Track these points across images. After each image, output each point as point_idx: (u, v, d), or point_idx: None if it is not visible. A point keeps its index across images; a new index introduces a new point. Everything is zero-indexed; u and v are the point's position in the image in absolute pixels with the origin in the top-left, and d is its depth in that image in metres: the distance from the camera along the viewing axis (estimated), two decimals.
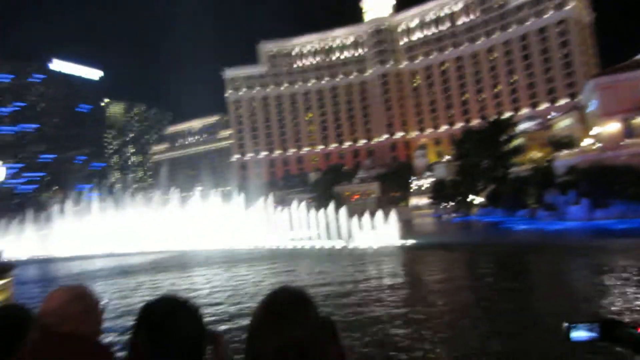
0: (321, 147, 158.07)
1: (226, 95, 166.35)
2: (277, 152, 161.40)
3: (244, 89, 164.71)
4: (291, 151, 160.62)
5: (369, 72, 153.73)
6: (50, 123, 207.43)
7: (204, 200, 57.16)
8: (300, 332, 1.40)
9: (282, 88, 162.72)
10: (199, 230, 48.70)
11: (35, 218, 65.68)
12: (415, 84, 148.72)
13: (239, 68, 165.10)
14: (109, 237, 51.89)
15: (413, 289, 17.90)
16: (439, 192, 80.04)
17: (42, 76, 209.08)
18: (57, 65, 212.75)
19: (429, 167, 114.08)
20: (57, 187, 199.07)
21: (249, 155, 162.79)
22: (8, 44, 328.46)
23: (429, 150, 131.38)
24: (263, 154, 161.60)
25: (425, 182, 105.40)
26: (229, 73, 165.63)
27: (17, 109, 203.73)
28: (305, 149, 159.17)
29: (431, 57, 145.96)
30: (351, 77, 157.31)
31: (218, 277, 23.49)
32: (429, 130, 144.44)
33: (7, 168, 23.78)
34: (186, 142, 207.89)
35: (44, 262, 46.06)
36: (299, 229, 43.90)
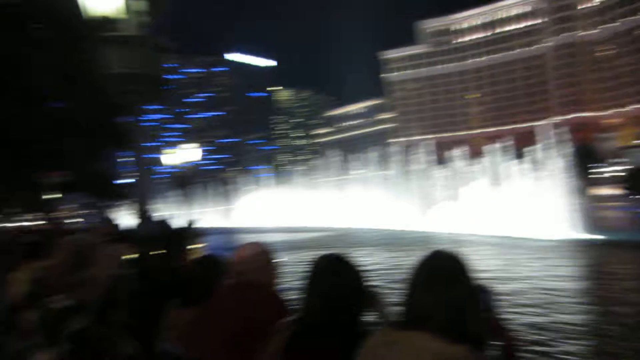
0: (490, 129, 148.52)
1: (384, 76, 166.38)
2: (439, 135, 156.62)
3: (404, 70, 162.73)
4: (454, 134, 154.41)
5: (544, 43, 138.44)
6: (231, 110, 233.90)
7: (364, 182, 58.16)
8: (457, 291, 1.45)
9: (443, 66, 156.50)
10: (361, 210, 49.89)
11: (220, 194, 75.02)
12: (598, 55, 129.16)
13: (398, 49, 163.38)
14: (279, 213, 56.48)
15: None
16: (637, 181, 68.53)
17: (225, 68, 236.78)
18: (237, 57, 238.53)
19: (617, 152, 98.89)
20: (236, 168, 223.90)
21: (408, 138, 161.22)
22: (198, 41, 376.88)
23: (616, 133, 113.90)
24: (423, 136, 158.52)
25: (612, 169, 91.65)
26: (387, 55, 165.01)
27: (206, 98, 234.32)
28: (469, 132, 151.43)
29: (617, 22, 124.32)
30: (521, 50, 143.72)
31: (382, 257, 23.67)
32: (614, 110, 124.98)
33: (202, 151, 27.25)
34: (347, 125, 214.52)
35: (227, 233, 52.01)
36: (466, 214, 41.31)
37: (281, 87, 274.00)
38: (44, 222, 24.36)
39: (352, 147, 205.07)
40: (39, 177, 21.84)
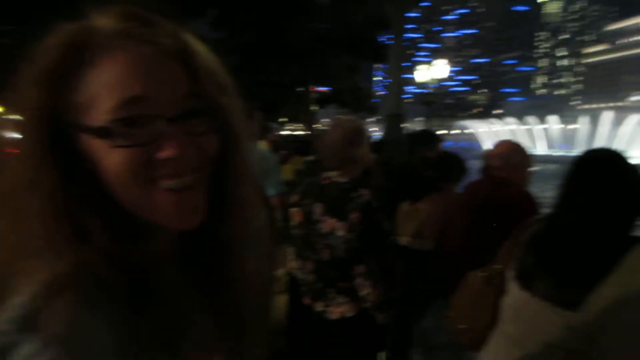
0: None
1: None
2: None
3: None
4: None
5: None
6: (487, 27, 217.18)
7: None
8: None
9: None
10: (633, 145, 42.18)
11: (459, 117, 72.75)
12: None
13: None
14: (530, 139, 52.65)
15: None
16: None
17: None
18: None
19: None
20: (485, 90, 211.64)
21: None
22: None
23: None
24: None
25: None
26: None
27: (460, 15, 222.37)
28: None
29: None
30: None
31: None
32: None
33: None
34: (629, 42, 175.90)
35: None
36: None
37: None
38: (305, 132, 27.94)
39: (633, 69, 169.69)
40: (304, 90, 24.91)
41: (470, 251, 2.19)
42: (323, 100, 26.85)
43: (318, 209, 2.13)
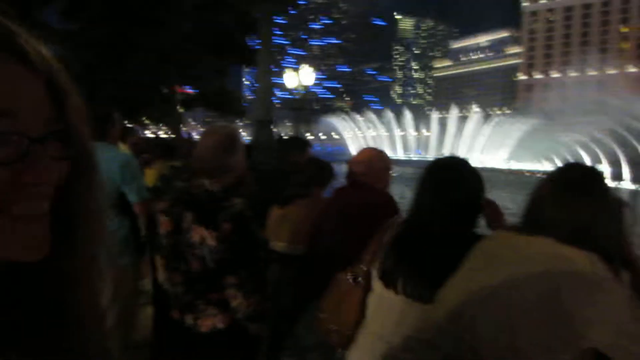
0: (634, 70, 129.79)
1: (523, 5, 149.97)
2: (572, 74, 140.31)
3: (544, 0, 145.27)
4: (591, 73, 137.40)
5: None
6: (349, 38, 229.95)
7: (481, 121, 55.62)
8: (589, 202, 1.35)
9: None
10: (473, 148, 48.06)
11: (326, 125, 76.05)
12: None
13: None
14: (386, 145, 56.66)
15: None
16: None
17: None
18: None
19: None
20: (348, 97, 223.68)
21: (537, 76, 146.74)
22: None
23: None
24: (554, 75, 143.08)
25: None
26: None
27: (323, 26, 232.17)
28: (611, 71, 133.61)
29: None
30: None
31: None
32: None
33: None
34: (470, 59, 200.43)
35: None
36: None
37: (403, 16, 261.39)
38: (171, 135, 26.77)
39: (472, 83, 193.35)
40: (171, 92, 23.82)
41: (338, 253, 2.28)
42: (190, 102, 25.94)
43: (188, 217, 2.04)
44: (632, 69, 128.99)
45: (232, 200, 2.03)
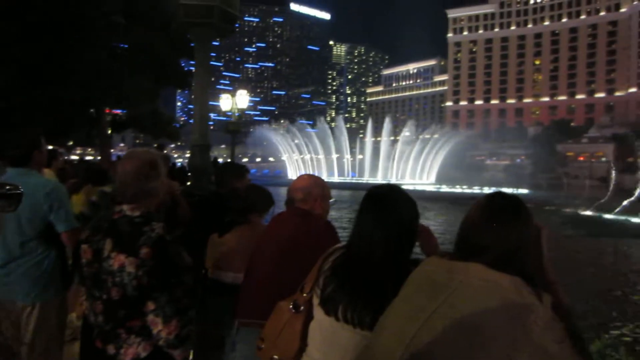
0: (546, 98, 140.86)
1: (448, 36, 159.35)
2: (494, 102, 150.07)
3: (467, 31, 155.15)
4: (510, 101, 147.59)
5: (623, 9, 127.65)
6: (284, 62, 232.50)
7: (410, 144, 58.03)
8: (516, 228, 1.43)
9: (509, 29, 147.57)
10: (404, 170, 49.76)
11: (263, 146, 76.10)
12: None
13: (464, 8, 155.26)
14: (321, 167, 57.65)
15: None
16: None
17: (280, 19, 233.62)
18: (294, 7, 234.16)
19: None
20: (283, 120, 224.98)
21: (462, 103, 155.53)
22: None
23: None
24: (478, 102, 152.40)
25: None
26: (453, 13, 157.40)
27: (258, 49, 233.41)
28: (527, 100, 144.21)
29: None
30: (597, 16, 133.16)
31: None
32: None
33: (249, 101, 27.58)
34: (400, 86, 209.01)
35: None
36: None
37: (336, 42, 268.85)
38: (98, 158, 25.54)
39: (403, 109, 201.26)
40: (99, 114, 22.77)
41: (279, 281, 2.28)
42: (119, 124, 24.95)
43: (108, 245, 1.99)
44: (545, 99, 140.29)
45: (152, 225, 2.01)
